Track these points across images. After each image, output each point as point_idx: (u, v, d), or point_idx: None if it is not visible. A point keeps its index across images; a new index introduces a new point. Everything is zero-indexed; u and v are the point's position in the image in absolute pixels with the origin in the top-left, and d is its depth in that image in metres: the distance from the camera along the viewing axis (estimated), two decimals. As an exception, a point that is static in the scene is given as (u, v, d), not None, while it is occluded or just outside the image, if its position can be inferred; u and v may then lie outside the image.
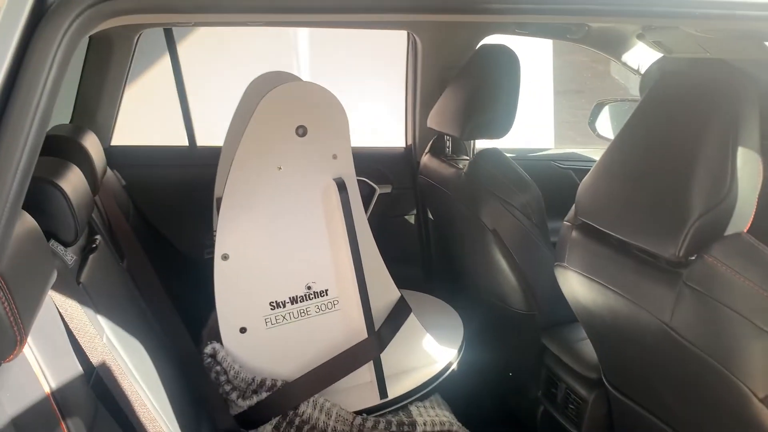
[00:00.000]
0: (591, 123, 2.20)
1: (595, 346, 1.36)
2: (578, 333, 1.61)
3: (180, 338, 1.55)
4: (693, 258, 0.97)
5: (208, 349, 1.52)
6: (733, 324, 0.90)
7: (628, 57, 2.12)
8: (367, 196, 2.21)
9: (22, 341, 0.74)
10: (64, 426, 0.85)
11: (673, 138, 1.02)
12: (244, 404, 1.49)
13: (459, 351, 1.73)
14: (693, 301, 0.95)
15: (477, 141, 2.20)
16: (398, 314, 1.65)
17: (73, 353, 0.98)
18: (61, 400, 0.87)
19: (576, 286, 1.23)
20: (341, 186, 1.48)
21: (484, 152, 1.78)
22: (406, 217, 2.35)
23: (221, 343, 1.53)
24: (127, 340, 1.21)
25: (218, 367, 1.50)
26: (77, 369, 0.96)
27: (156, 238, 2.13)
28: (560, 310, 1.66)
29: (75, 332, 1.01)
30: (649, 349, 1.09)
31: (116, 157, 2.11)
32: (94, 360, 1.03)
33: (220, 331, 1.53)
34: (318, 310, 1.57)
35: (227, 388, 1.50)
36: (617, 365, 1.30)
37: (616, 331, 1.17)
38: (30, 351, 0.84)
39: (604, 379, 1.37)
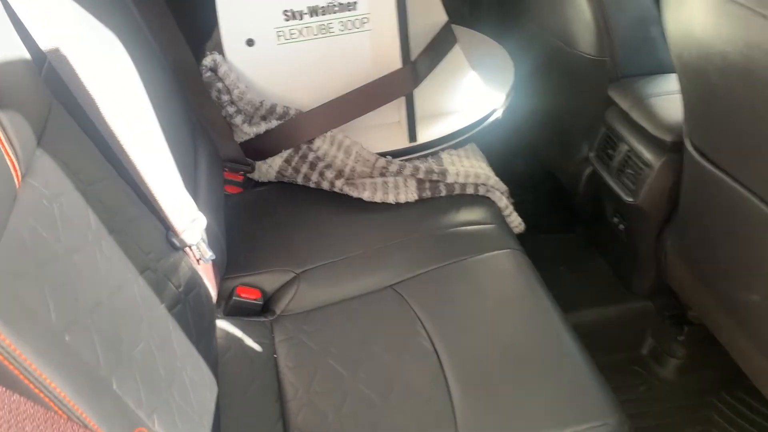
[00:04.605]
0: None
1: (688, 97, 1.07)
2: (655, 87, 1.32)
3: (175, 46, 1.27)
4: None
5: (207, 61, 1.26)
6: None
7: None
8: None
9: None
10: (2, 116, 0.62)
11: None
12: (251, 131, 1.28)
13: (506, 97, 1.46)
14: None
15: None
16: (441, 44, 1.36)
17: (17, 36, 0.72)
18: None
19: (696, 3, 0.91)
20: None
21: None
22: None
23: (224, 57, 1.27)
24: (96, 26, 0.93)
25: (219, 84, 1.26)
26: (22, 52, 0.70)
27: None
28: (637, 58, 1.37)
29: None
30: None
31: None
32: (44, 45, 0.76)
33: (222, 43, 1.26)
34: (343, 28, 1.27)
35: (231, 110, 1.28)
36: (716, 123, 1.04)
37: (738, 71, 0.88)
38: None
39: (686, 142, 1.12)
